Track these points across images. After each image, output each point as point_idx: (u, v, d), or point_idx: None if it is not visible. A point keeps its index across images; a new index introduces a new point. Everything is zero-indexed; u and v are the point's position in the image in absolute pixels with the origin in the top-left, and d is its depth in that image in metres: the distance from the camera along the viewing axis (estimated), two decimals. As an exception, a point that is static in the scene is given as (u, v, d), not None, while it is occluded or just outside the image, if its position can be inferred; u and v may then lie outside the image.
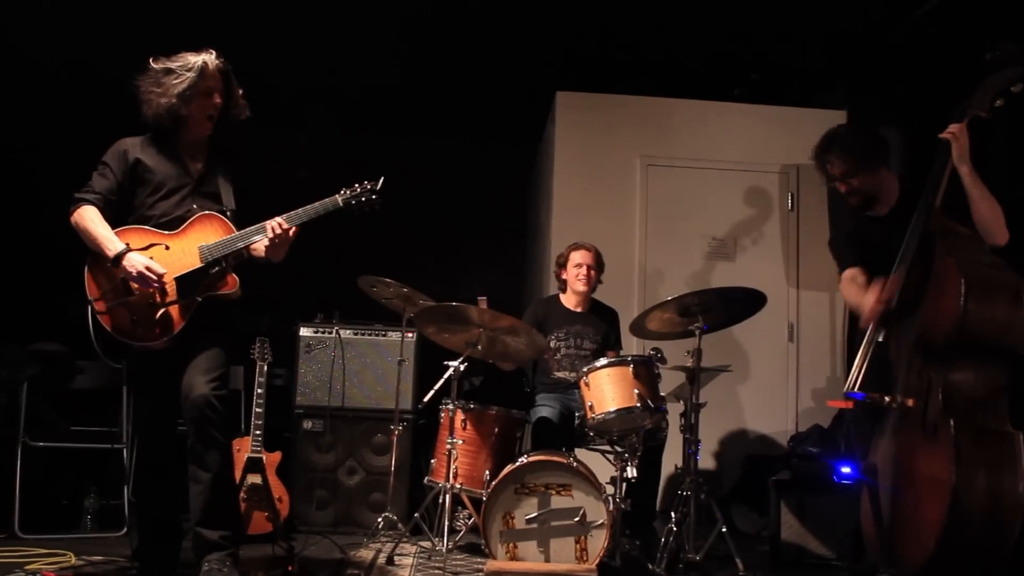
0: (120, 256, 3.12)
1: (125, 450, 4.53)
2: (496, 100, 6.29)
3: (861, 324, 3.39)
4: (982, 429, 2.89)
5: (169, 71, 3.23)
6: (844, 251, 3.65)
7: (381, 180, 3.43)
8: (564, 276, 4.73)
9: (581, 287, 4.63)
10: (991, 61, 3.15)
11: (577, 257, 4.68)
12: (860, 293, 3.46)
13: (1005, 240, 3.20)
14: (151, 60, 3.27)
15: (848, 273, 3.58)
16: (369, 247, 5.82)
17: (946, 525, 2.77)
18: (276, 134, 5.76)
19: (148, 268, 3.12)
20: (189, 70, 3.22)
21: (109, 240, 3.15)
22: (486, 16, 5.09)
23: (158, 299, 3.19)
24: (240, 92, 3.41)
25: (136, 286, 3.16)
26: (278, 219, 3.28)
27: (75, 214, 3.21)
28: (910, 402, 3.07)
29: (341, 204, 3.37)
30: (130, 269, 3.11)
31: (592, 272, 4.65)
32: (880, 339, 3.19)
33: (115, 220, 3.24)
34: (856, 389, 3.20)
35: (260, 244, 3.34)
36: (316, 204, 3.34)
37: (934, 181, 3.20)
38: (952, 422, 2.87)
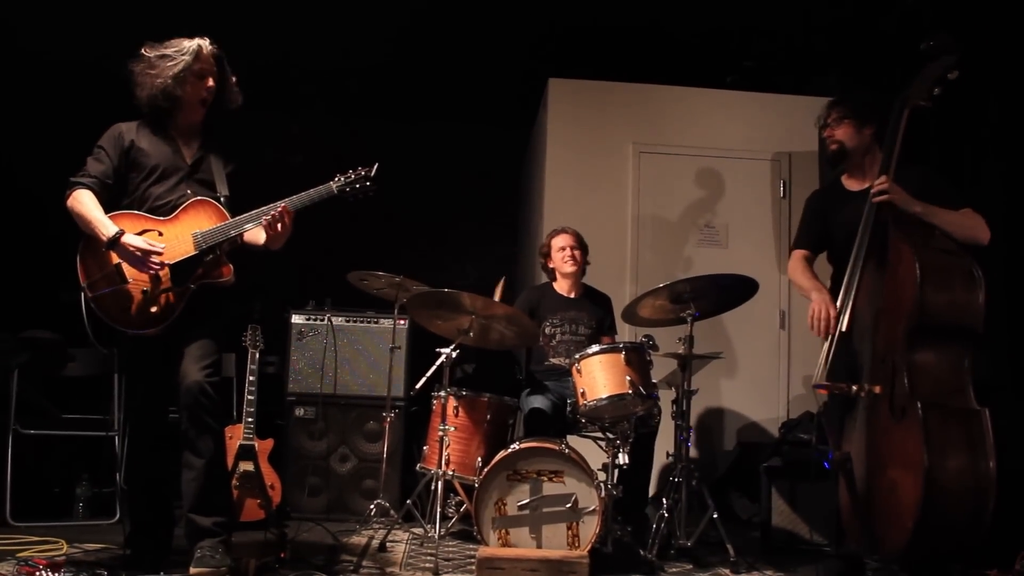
0: (115, 239, 3.10)
1: (117, 437, 4.53)
2: (488, 86, 6.26)
3: (815, 332, 3.41)
4: (949, 409, 2.95)
5: (164, 56, 3.23)
6: (801, 228, 3.76)
7: (375, 166, 3.40)
8: (551, 264, 4.74)
9: (570, 268, 4.64)
10: (926, 51, 3.20)
11: (559, 241, 4.70)
12: (803, 276, 3.59)
13: (988, 238, 3.27)
14: (144, 47, 3.27)
15: (797, 253, 3.69)
16: (360, 232, 5.80)
17: (923, 506, 2.82)
18: (267, 119, 5.72)
19: (145, 249, 3.10)
20: (183, 53, 3.24)
21: (104, 224, 3.12)
22: (479, 1, 5.06)
23: (151, 286, 3.18)
24: (234, 79, 3.41)
25: (133, 270, 3.15)
26: (280, 203, 3.25)
27: (70, 198, 3.19)
28: (877, 389, 3.13)
29: (335, 191, 3.34)
30: (128, 250, 3.09)
31: (576, 252, 4.66)
32: (843, 329, 3.25)
33: (110, 204, 3.22)
34: (823, 380, 3.26)
35: (257, 233, 3.31)
36: (310, 191, 3.31)
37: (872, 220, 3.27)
38: (919, 404, 2.92)
